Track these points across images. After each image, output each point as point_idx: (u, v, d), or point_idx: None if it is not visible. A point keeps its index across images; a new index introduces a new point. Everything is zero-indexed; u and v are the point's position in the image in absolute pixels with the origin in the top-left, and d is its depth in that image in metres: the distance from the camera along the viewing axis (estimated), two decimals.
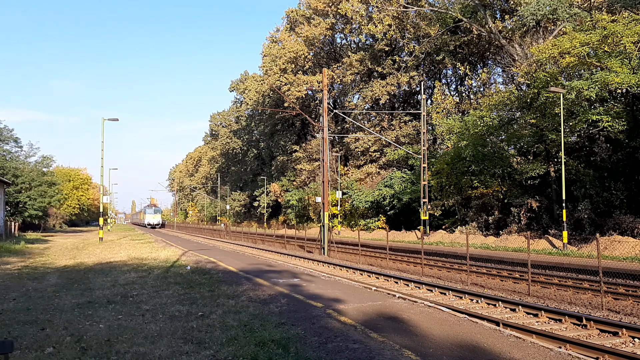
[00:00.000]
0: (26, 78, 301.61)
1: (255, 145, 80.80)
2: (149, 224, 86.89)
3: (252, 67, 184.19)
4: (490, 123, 30.85)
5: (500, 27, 34.71)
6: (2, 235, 35.02)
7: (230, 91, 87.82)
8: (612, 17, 24.86)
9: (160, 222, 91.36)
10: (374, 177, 47.60)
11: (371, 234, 40.72)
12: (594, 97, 22.90)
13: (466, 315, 8.88)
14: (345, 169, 52.23)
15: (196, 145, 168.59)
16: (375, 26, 42.67)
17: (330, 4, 50.20)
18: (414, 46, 44.03)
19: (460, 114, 40.00)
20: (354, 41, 54.14)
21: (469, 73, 42.00)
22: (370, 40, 49.02)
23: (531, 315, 10.67)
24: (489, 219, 31.14)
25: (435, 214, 35.93)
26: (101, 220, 38.31)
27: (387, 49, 47.55)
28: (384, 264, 21.81)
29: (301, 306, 9.36)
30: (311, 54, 54.87)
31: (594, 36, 23.40)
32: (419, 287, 14.88)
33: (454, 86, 50.71)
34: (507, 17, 36.57)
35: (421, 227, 33.34)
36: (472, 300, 12.57)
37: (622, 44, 22.25)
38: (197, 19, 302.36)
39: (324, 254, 27.09)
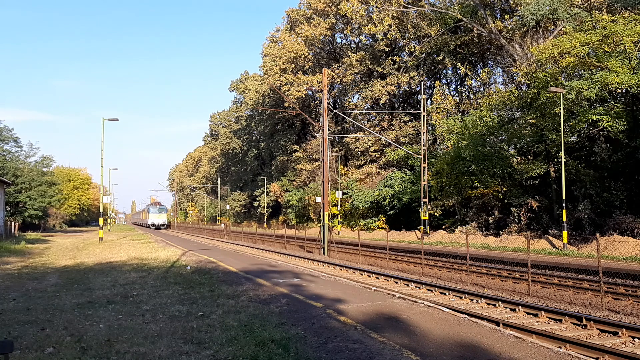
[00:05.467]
0: (26, 78, 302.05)
1: (255, 145, 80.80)
2: (153, 225, 79.72)
3: (252, 67, 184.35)
4: (490, 123, 30.85)
5: (500, 27, 34.70)
6: (2, 235, 35.00)
7: (230, 91, 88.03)
8: (612, 17, 24.84)
9: (166, 223, 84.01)
10: (374, 177, 47.59)
11: (371, 234, 40.72)
12: (594, 97, 22.89)
13: (466, 315, 8.88)
14: (345, 169, 52.22)
15: (196, 145, 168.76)
16: (375, 26, 42.64)
17: (330, 4, 50.19)
18: (414, 46, 44.02)
19: (460, 114, 39.97)
20: (354, 41, 54.13)
21: (469, 73, 41.99)
22: (370, 40, 49.00)
23: (531, 315, 10.68)
24: (489, 219, 31.13)
25: (435, 214, 35.91)
26: (101, 220, 38.31)
27: (387, 49, 47.53)
28: (384, 264, 21.81)
29: (301, 306, 9.36)
30: (311, 54, 54.85)
31: (594, 36, 23.39)
32: (419, 287, 14.88)
33: (454, 86, 50.72)
34: (507, 17, 36.56)
35: (421, 227, 33.33)
36: (472, 300, 12.57)
37: (622, 44, 22.24)
38: (197, 19, 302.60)
39: (324, 254, 27.09)
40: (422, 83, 43.47)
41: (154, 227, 79.13)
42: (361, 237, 27.71)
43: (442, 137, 39.21)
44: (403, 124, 46.63)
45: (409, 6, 40.88)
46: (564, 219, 22.60)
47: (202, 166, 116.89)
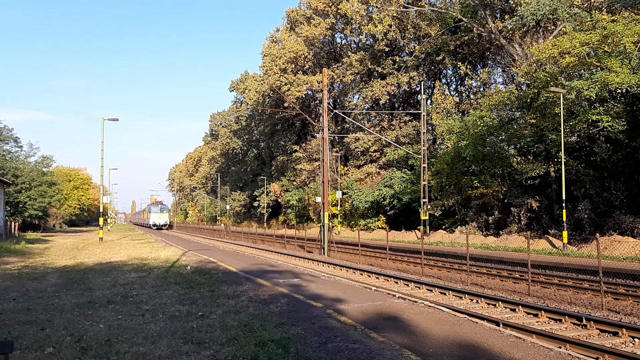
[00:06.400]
0: (26, 78, 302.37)
1: (255, 145, 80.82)
2: (154, 225, 77.16)
3: (252, 67, 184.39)
4: (490, 123, 30.83)
5: (500, 27, 34.71)
6: (2, 235, 35.00)
7: (230, 91, 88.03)
8: (612, 17, 24.84)
9: (168, 223, 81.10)
10: (374, 177, 47.59)
11: (371, 234, 40.72)
12: (594, 97, 22.89)
13: (466, 315, 8.88)
14: (345, 169, 52.22)
15: (196, 145, 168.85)
16: (375, 26, 42.65)
17: (330, 4, 50.19)
18: (414, 46, 44.02)
19: (460, 114, 39.98)
20: (354, 41, 54.14)
21: (469, 73, 42.00)
22: (370, 40, 49.00)
23: (531, 315, 10.68)
24: (489, 219, 31.12)
25: (435, 214, 35.91)
26: (101, 220, 38.29)
27: (387, 49, 47.53)
28: (384, 264, 21.81)
29: (301, 306, 9.36)
30: (311, 54, 54.85)
31: (594, 36, 23.39)
32: (419, 287, 14.88)
33: (454, 86, 50.74)
34: (507, 17, 36.57)
35: (421, 227, 33.32)
36: (472, 300, 12.57)
37: (622, 44, 22.24)
38: (197, 19, 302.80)
39: (324, 254, 27.09)
40: (422, 83, 43.49)
41: (155, 228, 77.07)
42: (361, 237, 27.71)
43: (442, 137, 39.21)
44: (403, 124, 46.63)
45: (409, 6, 40.88)
46: (564, 219, 22.60)
47: (202, 166, 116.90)
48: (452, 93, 48.52)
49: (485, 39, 39.10)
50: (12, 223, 42.01)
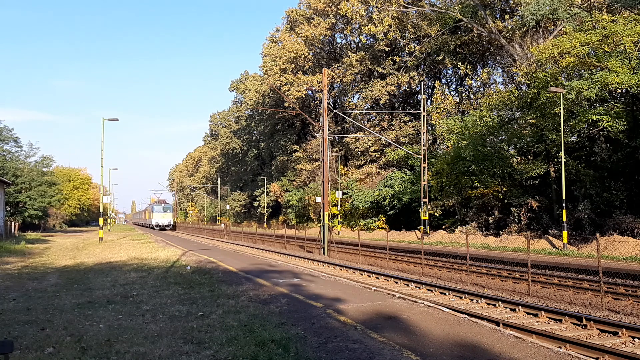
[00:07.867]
0: (26, 78, 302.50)
1: (255, 145, 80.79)
2: (157, 225, 71.45)
3: (252, 67, 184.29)
4: (490, 123, 30.83)
5: (500, 27, 34.70)
6: (2, 235, 34.99)
7: (230, 91, 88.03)
8: (612, 17, 24.84)
9: (172, 223, 75.12)
10: (374, 177, 47.59)
11: (371, 234, 40.71)
12: (594, 97, 22.88)
13: (466, 315, 8.88)
14: (345, 169, 52.21)
15: (196, 145, 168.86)
16: (375, 26, 42.65)
17: (330, 4, 50.18)
18: (414, 46, 44.02)
19: (460, 114, 39.97)
20: (354, 41, 54.14)
21: (469, 73, 42.00)
22: (371, 40, 49.00)
23: (531, 315, 10.67)
24: (489, 219, 31.12)
25: (435, 214, 35.91)
26: (101, 220, 38.29)
27: (387, 49, 47.53)
28: (384, 264, 21.81)
29: (301, 306, 9.35)
30: (311, 54, 54.85)
31: (594, 36, 23.38)
32: (419, 287, 14.88)
33: (454, 86, 50.73)
34: (507, 17, 36.58)
35: (421, 227, 33.32)
36: (472, 300, 12.57)
37: (622, 44, 22.24)
38: (197, 19, 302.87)
39: (324, 254, 27.09)
40: (422, 83, 43.48)
41: (158, 228, 71.58)
42: (361, 237, 27.70)
43: (442, 137, 39.19)
44: (403, 124, 46.62)
45: (409, 6, 40.89)
46: (564, 219, 22.59)
47: (202, 166, 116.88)
48: (452, 93, 48.51)
49: (485, 39, 39.10)
50: (12, 223, 42.01)
